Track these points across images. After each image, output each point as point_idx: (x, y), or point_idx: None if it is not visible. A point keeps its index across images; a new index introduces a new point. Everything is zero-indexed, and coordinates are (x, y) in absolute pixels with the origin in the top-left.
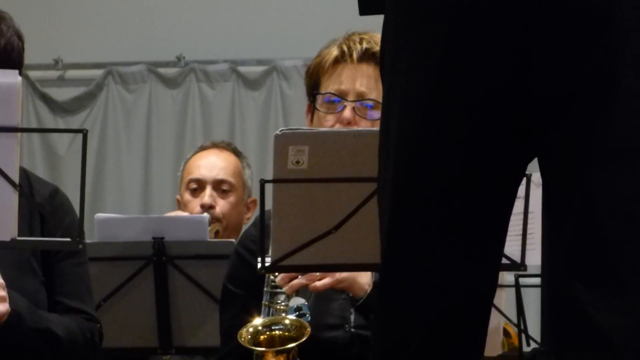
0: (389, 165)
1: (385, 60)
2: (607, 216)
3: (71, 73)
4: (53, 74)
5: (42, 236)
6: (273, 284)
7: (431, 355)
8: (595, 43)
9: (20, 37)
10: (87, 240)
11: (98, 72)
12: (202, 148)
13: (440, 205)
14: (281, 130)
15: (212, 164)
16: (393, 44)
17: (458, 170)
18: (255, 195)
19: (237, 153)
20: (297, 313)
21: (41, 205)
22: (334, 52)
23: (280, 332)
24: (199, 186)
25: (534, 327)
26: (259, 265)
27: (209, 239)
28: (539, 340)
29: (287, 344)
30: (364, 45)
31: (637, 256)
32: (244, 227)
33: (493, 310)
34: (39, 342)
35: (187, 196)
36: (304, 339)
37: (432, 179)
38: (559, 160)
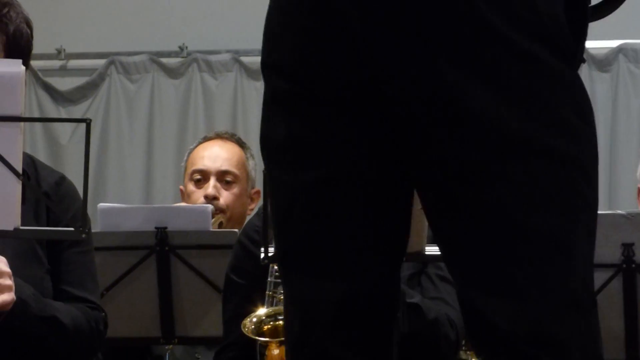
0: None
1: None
2: (483, 219)
3: (74, 63)
4: (55, 63)
5: (48, 224)
6: (277, 274)
7: (329, 343)
8: (432, 58)
9: (29, 25)
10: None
11: (100, 62)
12: (206, 139)
13: (322, 197)
14: None
15: (215, 155)
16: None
17: (331, 163)
18: (259, 186)
19: (240, 144)
20: None
21: (47, 192)
22: None
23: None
24: (202, 177)
25: None
26: (262, 255)
27: (211, 229)
28: None
29: None
30: None
31: (516, 250)
32: (248, 218)
33: None
34: (44, 330)
35: (191, 187)
36: None
37: (310, 173)
38: (430, 175)
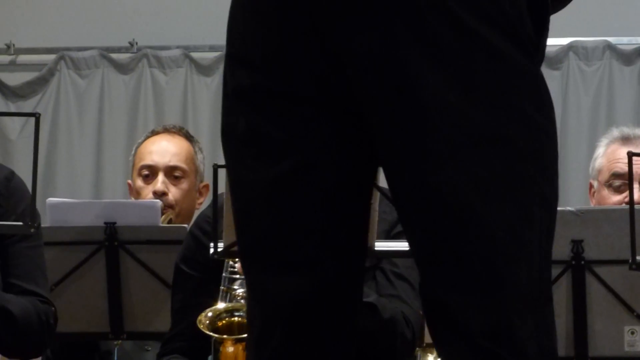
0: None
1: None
2: (443, 211)
3: (23, 58)
4: (5, 58)
5: None
6: (231, 269)
7: (293, 339)
8: (390, 42)
9: None
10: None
11: (50, 57)
12: (154, 133)
13: (281, 191)
14: None
15: (164, 150)
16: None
17: (293, 157)
18: (208, 180)
19: (189, 137)
20: None
21: None
22: None
23: (240, 319)
24: (150, 172)
25: None
26: (212, 250)
27: (161, 224)
28: None
29: (246, 332)
30: None
31: (474, 244)
32: (196, 213)
33: None
34: None
35: (139, 183)
36: None
37: (271, 167)
38: (386, 156)
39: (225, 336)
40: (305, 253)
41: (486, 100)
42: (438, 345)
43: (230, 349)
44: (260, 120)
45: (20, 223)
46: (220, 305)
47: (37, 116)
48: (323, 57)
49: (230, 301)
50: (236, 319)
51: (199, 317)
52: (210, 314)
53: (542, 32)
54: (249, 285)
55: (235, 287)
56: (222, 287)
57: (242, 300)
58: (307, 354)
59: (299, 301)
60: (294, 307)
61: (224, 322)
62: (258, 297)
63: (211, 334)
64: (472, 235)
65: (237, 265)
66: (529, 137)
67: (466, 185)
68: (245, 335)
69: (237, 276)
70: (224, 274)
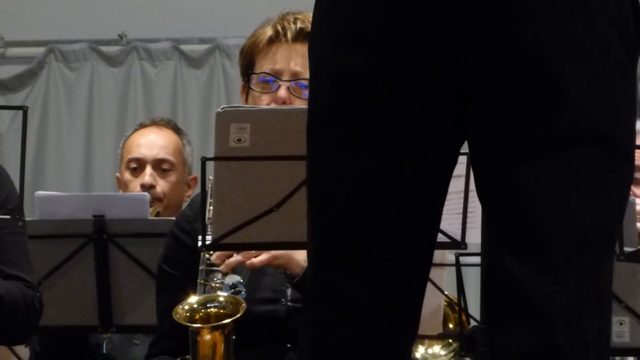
0: (319, 144)
1: (313, 37)
2: (538, 196)
3: (12, 51)
4: None
5: None
6: (208, 262)
7: (365, 333)
8: (527, 30)
9: None
10: (27, 218)
11: (40, 50)
12: (142, 126)
13: (372, 185)
14: (223, 108)
15: (151, 143)
16: (323, 22)
17: (390, 149)
18: (196, 173)
19: (177, 130)
20: (233, 290)
21: None
22: (269, 31)
23: (216, 310)
24: (138, 165)
25: (474, 306)
26: (200, 243)
27: (149, 217)
28: (478, 318)
29: (223, 321)
30: (299, 25)
31: (565, 233)
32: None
33: (434, 290)
34: None
35: (128, 176)
36: (239, 315)
37: (364, 159)
38: (490, 141)
39: (200, 325)
40: (385, 252)
41: (603, 99)
42: (501, 327)
43: (208, 336)
44: (358, 108)
45: (8, 217)
46: (194, 298)
47: (24, 109)
48: (445, 39)
49: (206, 293)
50: (212, 310)
51: (175, 309)
52: (186, 307)
53: None
54: (322, 280)
55: (215, 278)
56: (199, 280)
57: (218, 292)
58: (367, 350)
59: (371, 301)
60: (366, 306)
61: (200, 314)
62: (329, 293)
63: (188, 324)
64: (565, 226)
65: (213, 257)
66: (629, 141)
67: (566, 176)
68: (222, 322)
69: (215, 268)
70: (200, 267)
